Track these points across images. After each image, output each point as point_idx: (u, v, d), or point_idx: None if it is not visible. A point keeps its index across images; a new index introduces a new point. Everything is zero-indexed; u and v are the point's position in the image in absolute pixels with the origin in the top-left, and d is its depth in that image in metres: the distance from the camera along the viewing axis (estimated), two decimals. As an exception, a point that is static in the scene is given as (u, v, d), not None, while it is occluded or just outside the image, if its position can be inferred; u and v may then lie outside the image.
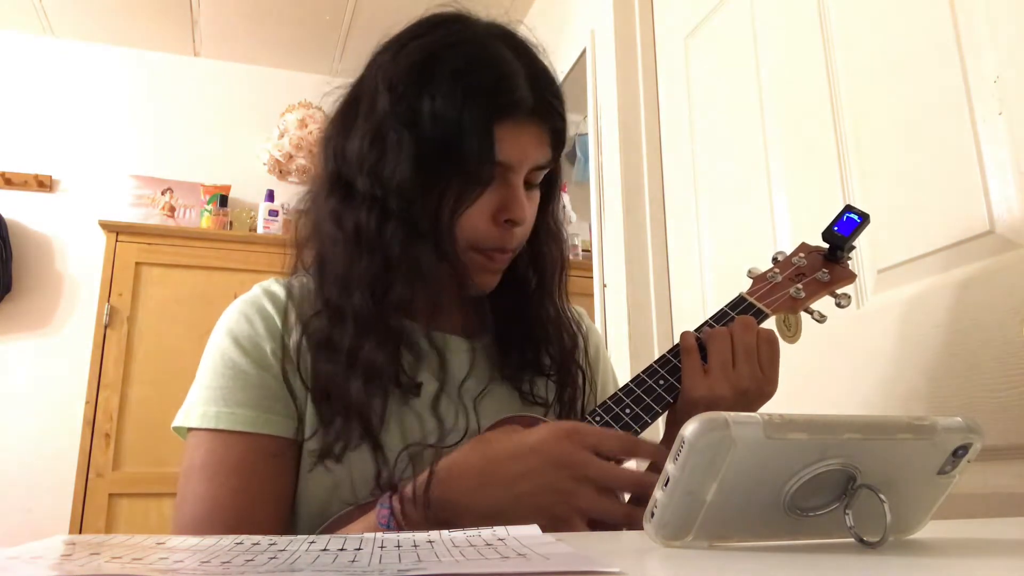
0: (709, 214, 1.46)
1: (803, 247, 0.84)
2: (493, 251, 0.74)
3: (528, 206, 0.74)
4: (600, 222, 1.77)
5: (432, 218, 0.71)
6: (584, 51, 1.94)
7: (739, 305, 0.79)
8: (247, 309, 0.77)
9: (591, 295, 1.78)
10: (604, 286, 1.73)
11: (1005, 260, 0.83)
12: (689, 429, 0.37)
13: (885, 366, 0.97)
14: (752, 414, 0.37)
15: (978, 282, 0.86)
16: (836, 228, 0.80)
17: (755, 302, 0.79)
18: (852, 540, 0.40)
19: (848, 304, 0.80)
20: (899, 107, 0.99)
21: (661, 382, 0.74)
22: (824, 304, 0.81)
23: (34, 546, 0.36)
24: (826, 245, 0.82)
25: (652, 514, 0.39)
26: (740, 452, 0.37)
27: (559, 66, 2.15)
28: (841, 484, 0.40)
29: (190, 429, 0.72)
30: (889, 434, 0.39)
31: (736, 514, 0.40)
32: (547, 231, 0.82)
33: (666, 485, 0.38)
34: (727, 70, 1.42)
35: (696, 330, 0.77)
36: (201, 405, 0.72)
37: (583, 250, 2.46)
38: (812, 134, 1.16)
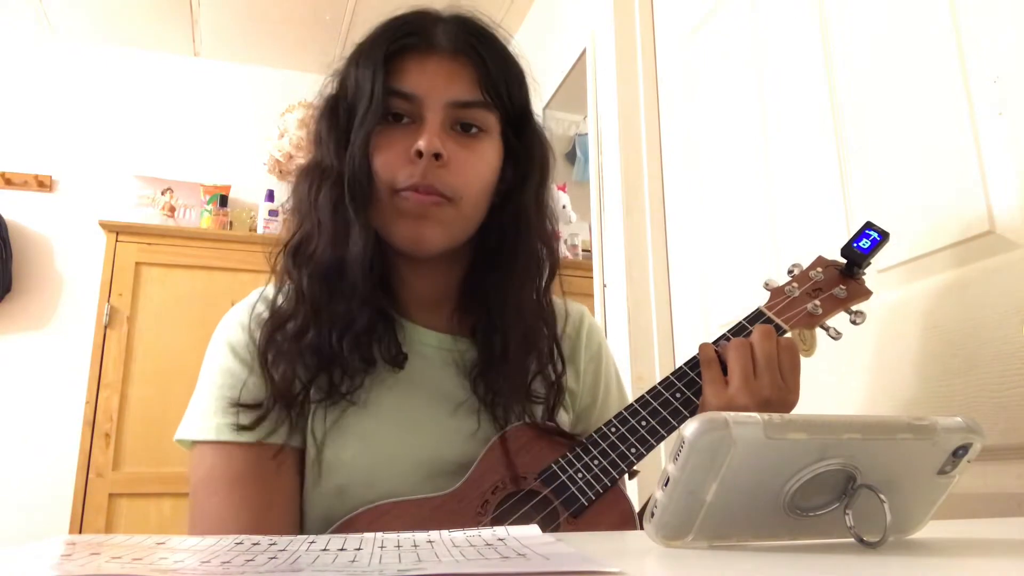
0: (709, 213, 1.46)
1: (820, 261, 0.83)
2: (409, 189, 0.72)
3: (442, 140, 0.71)
4: (600, 222, 1.77)
5: (355, 162, 0.72)
6: (584, 51, 1.93)
7: (757, 319, 0.78)
8: (242, 317, 0.77)
9: (591, 295, 1.79)
10: (604, 286, 1.73)
11: (1005, 260, 0.83)
12: (689, 429, 0.37)
13: (885, 366, 0.97)
14: (752, 414, 0.37)
15: (978, 282, 0.86)
16: (855, 244, 0.79)
17: (773, 317, 0.78)
18: (852, 540, 0.40)
19: (863, 321, 0.79)
20: (899, 107, 0.99)
21: (678, 395, 0.73)
22: (838, 320, 0.80)
23: (34, 546, 0.36)
24: (843, 260, 0.81)
25: (652, 514, 0.39)
26: (740, 452, 0.37)
27: (559, 66, 2.15)
28: (841, 484, 0.40)
29: (194, 443, 0.72)
30: (889, 434, 0.39)
31: (736, 514, 0.40)
32: (524, 215, 0.77)
33: (666, 485, 0.38)
34: (727, 70, 1.42)
35: (714, 343, 0.76)
36: (201, 418, 0.72)
37: (583, 250, 2.45)
38: (812, 133, 1.16)
